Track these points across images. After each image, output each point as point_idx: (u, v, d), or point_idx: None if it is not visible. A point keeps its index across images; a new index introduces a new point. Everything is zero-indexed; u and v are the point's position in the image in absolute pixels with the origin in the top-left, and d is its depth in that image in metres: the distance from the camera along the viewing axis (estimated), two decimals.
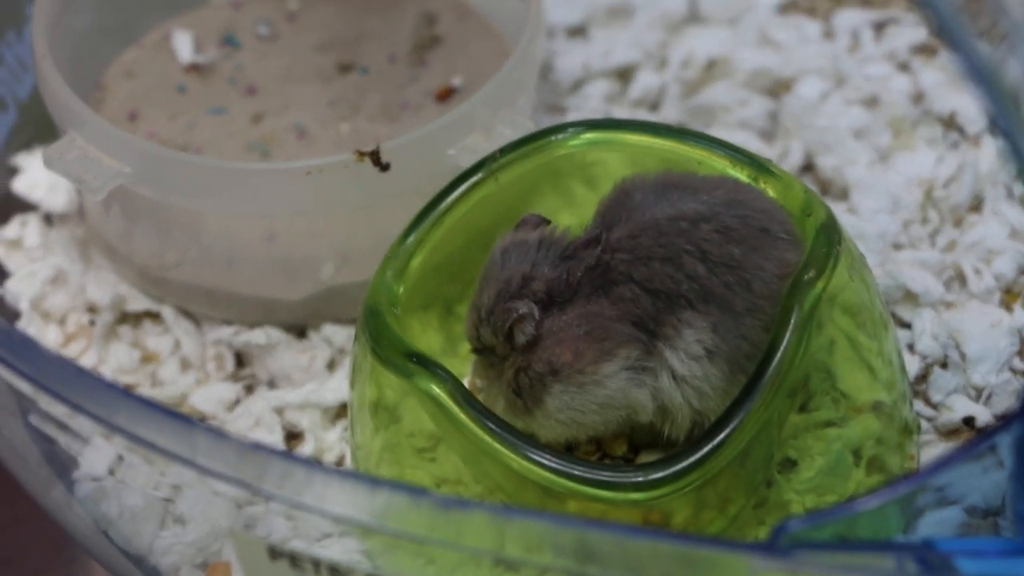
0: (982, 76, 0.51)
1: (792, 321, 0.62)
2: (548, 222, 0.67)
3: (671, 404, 0.64)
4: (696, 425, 0.65)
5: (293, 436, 0.75)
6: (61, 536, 0.74)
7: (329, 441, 0.74)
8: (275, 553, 0.53)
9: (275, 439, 0.74)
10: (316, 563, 0.53)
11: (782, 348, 0.61)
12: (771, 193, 0.67)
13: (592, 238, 0.65)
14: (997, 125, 0.51)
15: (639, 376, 0.64)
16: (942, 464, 0.52)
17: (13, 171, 0.88)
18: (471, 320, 0.66)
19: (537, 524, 0.50)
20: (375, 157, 0.74)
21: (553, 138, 0.71)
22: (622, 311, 0.64)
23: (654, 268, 0.63)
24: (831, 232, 0.65)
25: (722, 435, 0.60)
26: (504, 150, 0.71)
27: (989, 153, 0.85)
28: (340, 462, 0.74)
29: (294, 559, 0.53)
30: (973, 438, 0.53)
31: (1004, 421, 0.51)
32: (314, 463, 0.52)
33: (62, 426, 0.63)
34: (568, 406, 0.64)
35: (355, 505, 0.51)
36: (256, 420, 0.75)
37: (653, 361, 0.64)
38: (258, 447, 0.52)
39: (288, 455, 0.65)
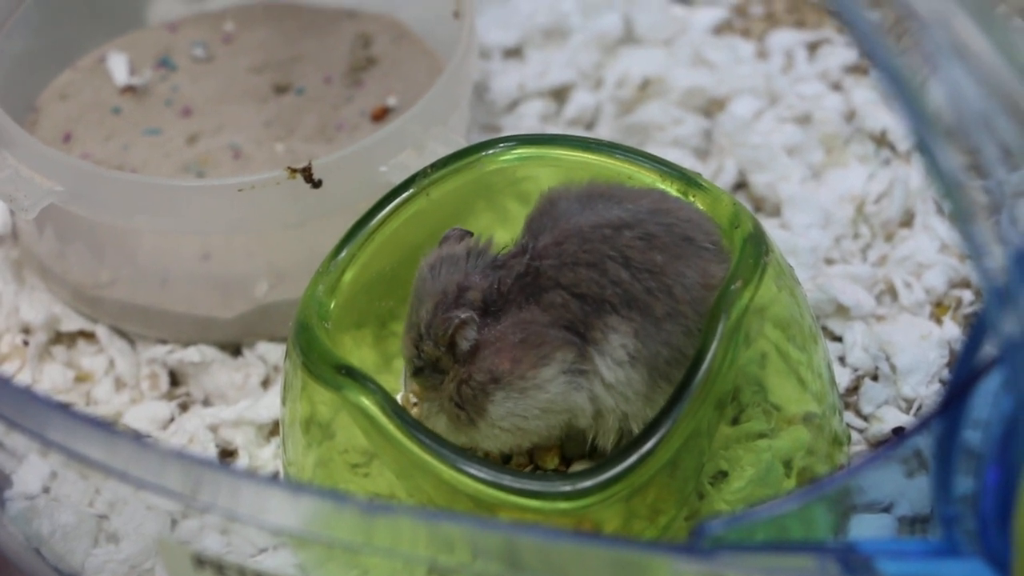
0: (904, 96, 0.52)
1: (719, 330, 0.62)
2: (471, 234, 0.67)
3: (603, 408, 0.65)
4: (624, 435, 0.65)
5: (227, 453, 0.75)
6: None
7: (263, 458, 0.74)
8: (200, 561, 0.53)
9: (209, 456, 0.74)
10: (242, 572, 0.53)
11: (709, 357, 0.62)
12: (700, 206, 0.68)
13: (521, 248, 0.65)
14: (920, 144, 0.51)
15: (576, 379, 0.64)
16: (862, 465, 0.52)
17: None
18: (410, 338, 0.66)
19: (462, 528, 0.50)
20: (307, 174, 0.74)
21: (484, 153, 0.72)
22: (554, 316, 0.64)
23: (580, 273, 0.64)
24: (758, 243, 0.66)
25: (650, 443, 0.60)
26: (435, 165, 0.71)
27: (919, 170, 0.86)
28: (274, 478, 0.74)
29: (220, 568, 0.53)
30: (894, 440, 0.53)
31: (923, 423, 0.52)
32: (243, 472, 0.53)
33: None
34: (511, 412, 0.65)
35: (281, 511, 0.51)
36: (190, 437, 0.75)
37: (587, 364, 0.64)
38: (191, 457, 0.52)
39: (218, 464, 0.66)
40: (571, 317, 0.64)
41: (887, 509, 0.68)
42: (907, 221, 0.84)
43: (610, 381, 0.64)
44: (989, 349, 0.52)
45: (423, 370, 0.66)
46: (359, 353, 0.71)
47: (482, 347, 0.65)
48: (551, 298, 0.64)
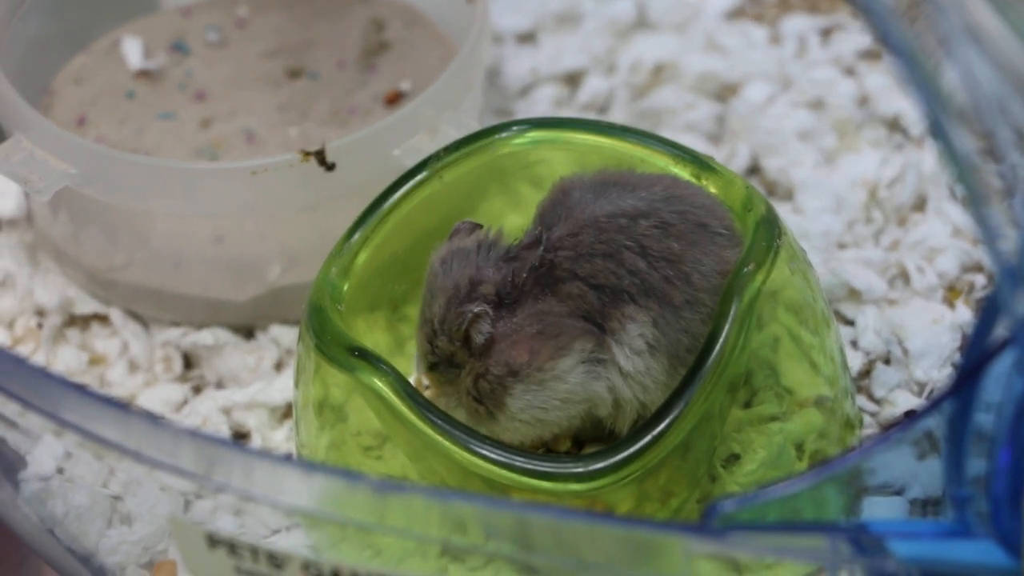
0: (918, 79, 0.52)
1: (731, 313, 0.62)
2: (480, 226, 0.67)
3: (621, 399, 0.65)
4: (640, 419, 0.65)
5: (240, 436, 0.75)
6: (12, 536, 0.74)
7: (276, 440, 0.75)
8: (214, 542, 0.53)
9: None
10: (254, 551, 0.53)
11: (721, 339, 0.62)
12: (712, 189, 0.68)
13: (534, 239, 0.65)
14: (934, 127, 0.51)
15: (595, 368, 0.64)
16: (873, 446, 0.52)
17: None
18: (424, 334, 0.66)
19: (475, 508, 0.50)
20: (320, 157, 0.74)
21: (497, 136, 0.72)
22: (571, 307, 0.64)
23: (597, 264, 0.64)
24: (771, 226, 0.66)
25: (661, 425, 0.60)
26: (448, 148, 0.71)
27: (932, 154, 0.86)
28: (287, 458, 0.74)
29: (232, 547, 0.53)
30: (905, 422, 0.53)
31: (934, 404, 0.52)
32: (256, 451, 0.53)
33: (11, 424, 0.63)
34: (531, 405, 0.65)
35: (294, 491, 0.51)
36: (203, 420, 0.75)
37: (605, 354, 0.64)
38: (205, 436, 0.53)
39: (231, 443, 0.66)
40: (588, 308, 0.64)
41: (899, 492, 0.68)
42: (920, 206, 0.84)
43: (628, 370, 0.64)
44: (1001, 331, 0.52)
45: (438, 365, 0.67)
46: (372, 336, 0.71)
47: (498, 340, 0.65)
48: (568, 289, 0.64)
